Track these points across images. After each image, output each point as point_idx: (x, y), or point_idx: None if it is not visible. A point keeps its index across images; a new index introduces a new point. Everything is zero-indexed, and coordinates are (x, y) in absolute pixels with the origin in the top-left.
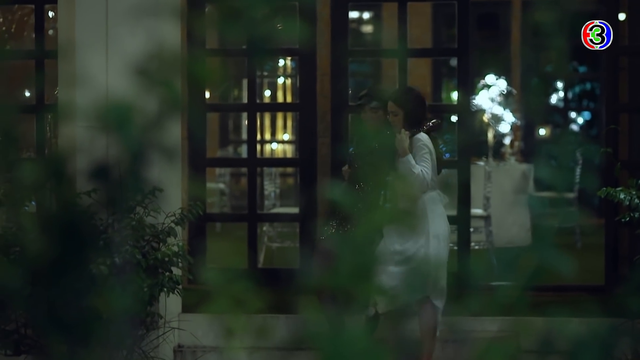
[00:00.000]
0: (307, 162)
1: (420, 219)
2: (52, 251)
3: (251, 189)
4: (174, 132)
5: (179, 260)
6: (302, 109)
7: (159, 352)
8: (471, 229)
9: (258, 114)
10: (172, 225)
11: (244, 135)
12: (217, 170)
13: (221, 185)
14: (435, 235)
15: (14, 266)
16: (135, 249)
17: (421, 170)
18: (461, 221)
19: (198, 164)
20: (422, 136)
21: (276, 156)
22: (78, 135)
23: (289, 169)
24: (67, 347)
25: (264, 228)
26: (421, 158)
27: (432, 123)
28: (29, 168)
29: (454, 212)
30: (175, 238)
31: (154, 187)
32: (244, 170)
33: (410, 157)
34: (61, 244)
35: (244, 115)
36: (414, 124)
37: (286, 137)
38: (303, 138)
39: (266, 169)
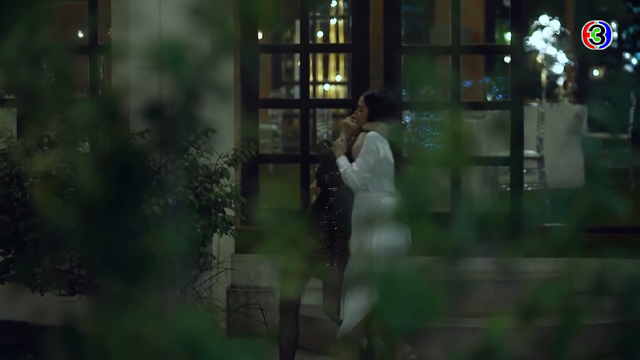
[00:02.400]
0: None
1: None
2: (106, 192)
3: (304, 130)
4: (227, 73)
5: (232, 201)
6: (355, 50)
7: (212, 292)
8: (524, 170)
9: (310, 55)
10: (225, 166)
11: (297, 77)
12: (270, 112)
13: (274, 127)
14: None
15: (68, 206)
16: (188, 189)
17: (345, 170)
18: (514, 162)
19: (251, 105)
20: (376, 135)
21: (328, 97)
22: (131, 75)
23: (341, 110)
24: (121, 287)
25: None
26: (360, 157)
27: (398, 126)
28: (83, 109)
29: (506, 153)
30: (228, 179)
31: (206, 127)
32: (297, 111)
33: (341, 158)
34: (115, 185)
35: (297, 56)
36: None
37: (338, 78)
38: (355, 79)
39: (318, 110)
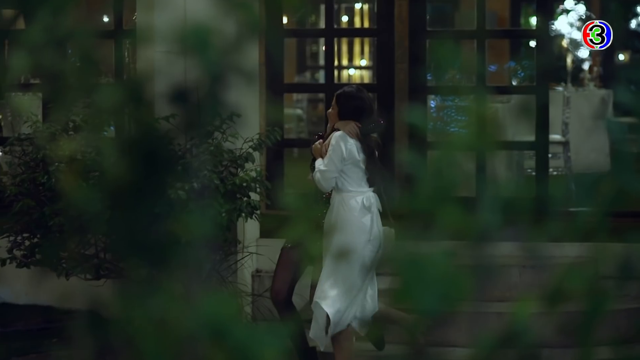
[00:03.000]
0: (385, 88)
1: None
2: (131, 176)
3: None
4: (252, 57)
5: (257, 185)
6: (380, 34)
7: (237, 276)
8: (549, 155)
9: (335, 40)
10: (250, 150)
11: (322, 61)
12: (295, 96)
13: (298, 111)
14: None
15: (93, 191)
16: (213, 174)
17: (314, 172)
18: (539, 147)
19: (276, 90)
20: (342, 134)
21: (353, 81)
22: (156, 59)
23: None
24: (146, 271)
25: None
26: (327, 157)
27: (370, 126)
28: (108, 93)
29: (532, 138)
30: (253, 163)
31: (232, 112)
32: (321, 95)
33: (317, 161)
34: (140, 169)
35: (322, 40)
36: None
37: (363, 62)
38: (380, 64)
39: None
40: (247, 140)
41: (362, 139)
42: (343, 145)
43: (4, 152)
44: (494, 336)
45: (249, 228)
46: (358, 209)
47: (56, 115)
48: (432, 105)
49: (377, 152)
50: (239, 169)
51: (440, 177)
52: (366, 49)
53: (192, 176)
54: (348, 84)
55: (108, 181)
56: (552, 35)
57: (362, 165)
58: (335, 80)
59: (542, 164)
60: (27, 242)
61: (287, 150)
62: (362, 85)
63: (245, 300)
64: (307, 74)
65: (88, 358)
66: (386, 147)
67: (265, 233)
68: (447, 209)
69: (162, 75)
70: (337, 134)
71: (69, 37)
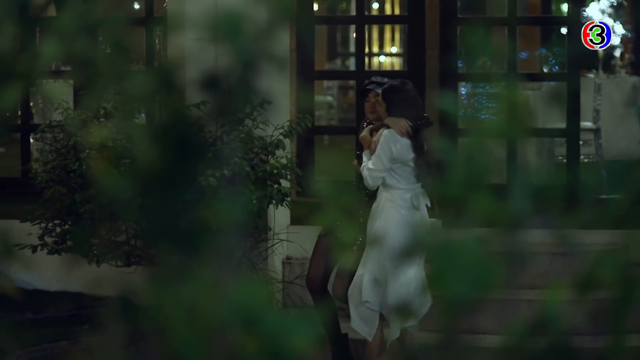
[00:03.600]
0: (415, 75)
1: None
2: (162, 163)
3: (359, 101)
4: (283, 44)
5: (288, 172)
6: (410, 21)
7: (268, 263)
8: (580, 142)
9: (366, 27)
10: (281, 137)
11: (352, 48)
12: (325, 83)
13: (329, 98)
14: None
15: (124, 178)
16: (244, 161)
17: (362, 167)
18: (571, 134)
19: (306, 77)
20: (392, 133)
21: (384, 69)
22: (187, 46)
23: None
24: (177, 258)
25: None
26: (375, 156)
27: (420, 122)
28: (139, 80)
29: (563, 125)
30: (283, 150)
31: (262, 99)
32: (352, 82)
33: (365, 153)
34: (171, 156)
35: (352, 27)
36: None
37: (394, 49)
38: (411, 50)
39: None
40: (278, 127)
41: (413, 135)
42: (393, 147)
43: (35, 139)
44: (524, 323)
45: (280, 215)
46: (407, 207)
47: (87, 103)
48: (463, 93)
49: (426, 147)
50: (270, 156)
51: (472, 164)
52: (397, 36)
53: (223, 163)
54: (377, 72)
55: (139, 168)
56: (584, 22)
57: (412, 164)
58: (366, 68)
59: (573, 151)
60: (58, 229)
61: (317, 138)
62: (392, 73)
63: (276, 287)
64: (338, 61)
65: (119, 345)
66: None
67: (295, 220)
68: (478, 196)
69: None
70: (386, 133)
71: (100, 24)
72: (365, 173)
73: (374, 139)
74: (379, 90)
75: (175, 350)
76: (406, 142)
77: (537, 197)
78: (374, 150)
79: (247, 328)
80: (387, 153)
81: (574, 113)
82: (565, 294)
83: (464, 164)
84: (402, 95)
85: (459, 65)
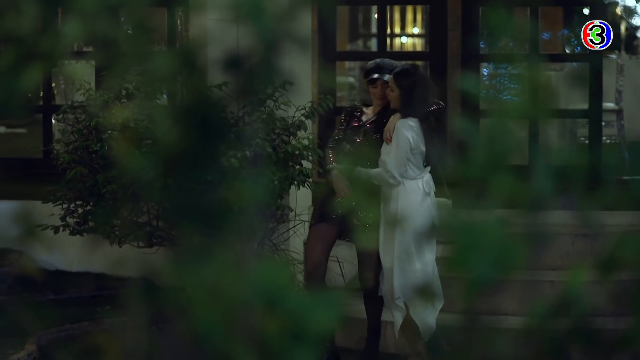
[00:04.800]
0: (437, 56)
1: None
2: (184, 144)
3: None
4: (305, 24)
5: (309, 153)
6: (433, 1)
7: (289, 244)
8: (603, 123)
9: (388, 7)
10: (303, 118)
11: (374, 29)
12: (347, 64)
13: (351, 79)
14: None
15: (146, 159)
16: (265, 142)
17: (378, 174)
18: (593, 115)
19: (328, 57)
20: (404, 123)
21: (406, 49)
22: (209, 27)
23: (419, 63)
24: (199, 238)
25: None
26: (394, 147)
27: (434, 108)
28: (161, 61)
29: (585, 106)
30: (305, 131)
31: (284, 80)
32: None
33: (360, 172)
34: (193, 137)
35: (374, 8)
36: (410, 105)
37: (416, 30)
38: (433, 31)
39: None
40: (300, 108)
41: (424, 120)
42: (410, 137)
43: (57, 120)
44: (546, 305)
45: (301, 196)
46: (420, 195)
47: (109, 83)
48: (485, 73)
49: (436, 131)
50: (291, 137)
51: (494, 146)
52: (418, 16)
53: (244, 144)
54: (399, 53)
55: (161, 149)
56: (606, 2)
57: (424, 149)
58: (388, 48)
59: (596, 132)
60: (80, 210)
61: (339, 118)
62: (414, 54)
63: (297, 268)
64: (360, 42)
65: (141, 325)
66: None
67: (316, 201)
68: (500, 177)
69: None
70: (399, 124)
71: (122, 5)
72: (383, 176)
73: (389, 126)
74: (386, 78)
75: (197, 331)
76: (419, 128)
77: (559, 178)
78: (390, 139)
79: (269, 309)
80: (405, 145)
81: (596, 94)
82: (587, 275)
83: (485, 145)
84: (416, 79)
85: (481, 46)
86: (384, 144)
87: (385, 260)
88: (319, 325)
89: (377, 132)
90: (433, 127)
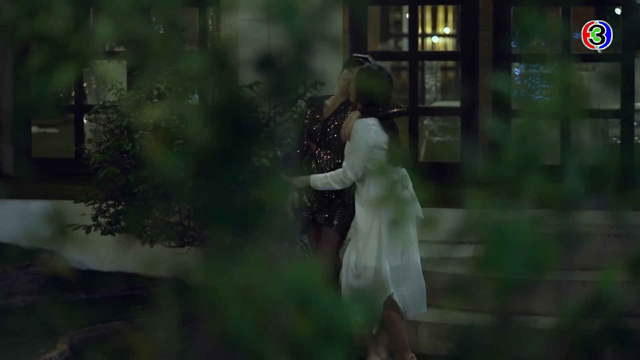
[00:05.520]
0: (469, 56)
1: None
2: (216, 144)
3: (412, 82)
4: (337, 24)
5: None
6: (464, 1)
7: None
8: (635, 123)
9: (419, 7)
10: None
11: (405, 29)
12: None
13: None
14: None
15: (178, 158)
16: (297, 141)
17: (331, 179)
18: (625, 115)
19: None
20: (362, 123)
21: (437, 50)
22: (240, 27)
23: (450, 63)
24: (230, 238)
25: (425, 122)
26: (352, 148)
27: (395, 111)
28: (193, 61)
29: (617, 106)
30: None
31: (315, 79)
32: (405, 63)
33: (313, 179)
34: (224, 137)
35: (405, 8)
36: (370, 105)
37: (447, 30)
38: (464, 31)
39: (427, 63)
40: None
41: (383, 118)
42: (367, 135)
43: (89, 120)
44: (578, 305)
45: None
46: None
47: (141, 83)
48: (517, 73)
49: (398, 129)
50: None
51: (525, 145)
52: (450, 16)
53: (276, 144)
54: (430, 53)
55: (192, 149)
56: (638, 1)
57: (386, 146)
58: (419, 48)
59: (628, 132)
60: (111, 210)
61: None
62: (445, 54)
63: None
64: (391, 42)
65: (172, 325)
66: (471, 114)
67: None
68: (532, 177)
69: (247, 43)
70: (357, 124)
71: (154, 4)
72: (338, 177)
73: (345, 124)
74: (354, 69)
75: (229, 331)
76: (378, 126)
77: (591, 179)
78: (348, 137)
79: (301, 309)
80: (362, 146)
81: (628, 94)
82: (619, 275)
83: (517, 145)
84: (379, 79)
85: (513, 45)
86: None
87: (367, 259)
88: (352, 325)
89: (337, 132)
90: (393, 124)
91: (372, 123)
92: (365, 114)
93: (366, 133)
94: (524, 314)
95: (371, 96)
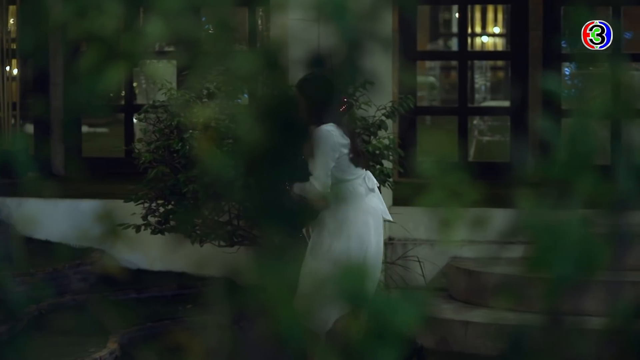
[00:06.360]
0: (519, 55)
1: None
2: (265, 143)
3: (462, 82)
4: (387, 23)
5: (390, 153)
6: (514, 1)
7: None
8: None
9: (469, 7)
10: (383, 118)
11: (455, 28)
12: (427, 64)
13: (431, 79)
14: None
15: (227, 158)
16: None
17: (303, 189)
18: None
19: (409, 57)
20: (320, 131)
21: (486, 49)
22: (290, 27)
23: (500, 62)
24: (280, 238)
25: (474, 121)
26: (316, 158)
27: (343, 108)
28: (243, 60)
29: None
30: (386, 131)
31: (365, 79)
32: (454, 63)
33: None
34: (274, 136)
35: (455, 8)
36: (320, 114)
37: (497, 30)
38: (514, 30)
39: (477, 62)
40: (380, 107)
41: (339, 123)
42: (329, 141)
43: (139, 120)
44: (629, 305)
45: (382, 196)
46: (359, 196)
47: (190, 83)
48: (567, 73)
49: (355, 131)
50: (372, 137)
51: (576, 145)
52: (499, 16)
53: None
54: (480, 53)
55: (242, 148)
56: None
57: (346, 150)
58: (469, 48)
59: None
60: (161, 209)
61: (419, 118)
62: (495, 53)
63: None
64: (440, 42)
65: (222, 324)
66: (521, 114)
67: (398, 201)
68: (583, 176)
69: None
70: (316, 132)
71: (204, 4)
72: (311, 187)
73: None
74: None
75: (278, 330)
76: (337, 131)
77: None
78: (311, 153)
79: (353, 308)
80: (324, 153)
81: None
82: None
83: (568, 145)
84: (319, 84)
85: (563, 45)
86: None
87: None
88: (403, 325)
89: None
90: (350, 127)
91: (329, 128)
92: (319, 124)
93: (326, 139)
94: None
95: (318, 105)
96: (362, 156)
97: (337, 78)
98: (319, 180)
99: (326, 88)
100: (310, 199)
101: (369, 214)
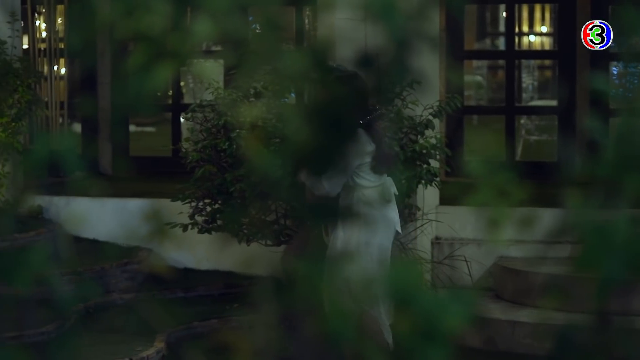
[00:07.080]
0: (566, 55)
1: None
2: (313, 142)
3: (509, 81)
4: (434, 23)
5: (437, 152)
6: (562, 0)
7: (417, 243)
8: None
9: (516, 6)
10: (430, 117)
11: (502, 28)
12: (475, 63)
13: (478, 78)
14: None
15: (275, 157)
16: (393, 141)
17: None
18: None
19: (456, 56)
20: None
21: (534, 48)
22: (337, 26)
23: (547, 62)
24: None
25: (522, 121)
26: None
27: (373, 115)
28: (290, 60)
29: None
30: (432, 130)
31: (412, 79)
32: (502, 62)
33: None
34: (321, 136)
35: (502, 7)
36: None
37: (544, 29)
38: (562, 29)
39: (524, 61)
40: (427, 107)
41: (367, 127)
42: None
43: (186, 119)
44: None
45: (429, 195)
46: (380, 202)
47: (238, 82)
48: (615, 72)
49: (383, 137)
50: (419, 136)
51: (625, 144)
52: (547, 15)
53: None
54: (527, 52)
55: (289, 148)
56: None
57: (371, 157)
58: (516, 47)
59: None
60: (208, 208)
61: (467, 118)
62: (542, 53)
63: (425, 268)
64: (487, 41)
65: (270, 323)
66: (568, 114)
67: (444, 200)
68: (631, 176)
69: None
70: None
71: (252, 3)
72: (319, 185)
73: None
74: None
75: (327, 329)
76: (363, 137)
77: None
78: None
79: (400, 308)
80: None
81: None
82: None
83: (616, 144)
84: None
85: (612, 45)
86: None
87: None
88: (451, 324)
89: None
90: (378, 133)
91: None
92: None
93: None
94: (622, 314)
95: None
96: (387, 163)
97: (385, 77)
98: (329, 182)
99: (357, 91)
100: (310, 191)
101: (380, 224)
